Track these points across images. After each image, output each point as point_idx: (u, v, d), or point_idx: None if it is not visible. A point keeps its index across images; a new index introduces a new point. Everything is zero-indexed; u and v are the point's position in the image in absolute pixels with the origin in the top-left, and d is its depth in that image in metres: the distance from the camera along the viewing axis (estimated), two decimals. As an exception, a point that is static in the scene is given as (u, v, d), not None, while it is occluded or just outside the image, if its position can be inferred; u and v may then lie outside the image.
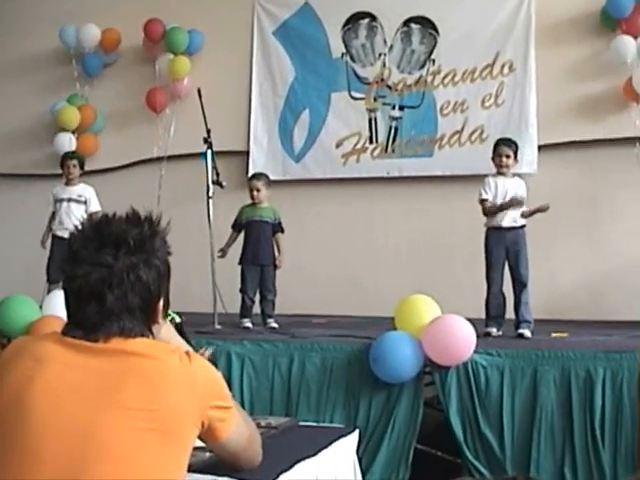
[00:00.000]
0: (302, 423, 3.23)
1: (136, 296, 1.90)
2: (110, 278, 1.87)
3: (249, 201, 6.37)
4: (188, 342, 2.34)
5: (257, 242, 6.23)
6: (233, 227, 6.38)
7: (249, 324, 6.11)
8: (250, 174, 7.38)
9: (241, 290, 6.22)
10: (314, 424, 3.27)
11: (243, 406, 4.59)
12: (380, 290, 7.21)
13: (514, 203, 5.62)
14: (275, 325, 6.12)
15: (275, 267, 6.30)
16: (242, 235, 6.36)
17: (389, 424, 4.66)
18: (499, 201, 5.66)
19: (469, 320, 4.71)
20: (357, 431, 2.99)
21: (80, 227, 1.96)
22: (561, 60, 7.56)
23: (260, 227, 6.24)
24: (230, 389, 2.16)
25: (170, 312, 2.54)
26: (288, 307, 7.08)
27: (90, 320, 1.88)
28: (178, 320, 2.70)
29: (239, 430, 2.12)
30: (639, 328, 6.02)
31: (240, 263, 6.24)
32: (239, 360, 5.05)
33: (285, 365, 4.98)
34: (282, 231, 6.35)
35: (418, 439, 4.71)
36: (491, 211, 5.67)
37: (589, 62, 7.51)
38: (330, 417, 4.78)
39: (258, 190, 6.29)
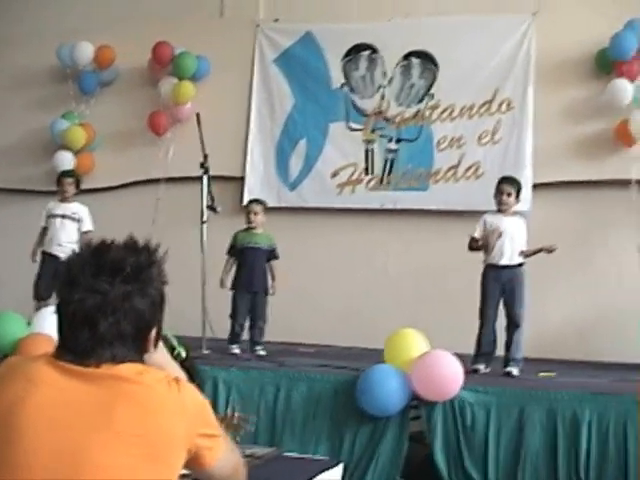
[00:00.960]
0: (287, 454, 3.21)
1: (129, 324, 1.90)
2: (105, 305, 1.87)
3: (243, 226, 6.35)
4: (192, 375, 2.31)
5: (251, 269, 6.20)
6: (229, 253, 6.34)
7: (237, 350, 6.08)
8: (246, 200, 7.40)
9: (231, 316, 6.18)
10: (299, 455, 3.25)
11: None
12: (372, 321, 7.20)
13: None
14: (263, 353, 6.08)
15: (267, 294, 6.27)
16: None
17: (373, 457, 4.65)
18: (494, 238, 5.66)
19: (459, 356, 4.71)
20: (342, 464, 2.98)
21: (79, 251, 1.96)
22: (559, 100, 7.61)
23: (255, 254, 6.22)
24: (215, 415, 2.15)
25: (176, 345, 2.52)
26: (279, 334, 7.06)
27: (82, 345, 1.88)
28: (184, 355, 2.67)
29: (225, 458, 2.10)
30: (627, 371, 6.04)
31: (232, 289, 6.21)
32: (225, 386, 5.03)
33: (271, 393, 4.96)
34: (277, 258, 6.34)
35: (402, 473, 4.69)
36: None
37: (586, 103, 7.56)
38: (315, 448, 4.75)
39: (256, 214, 6.27)
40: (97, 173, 8.30)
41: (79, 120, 8.51)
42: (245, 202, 7.30)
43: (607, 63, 7.43)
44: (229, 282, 6.26)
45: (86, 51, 8.45)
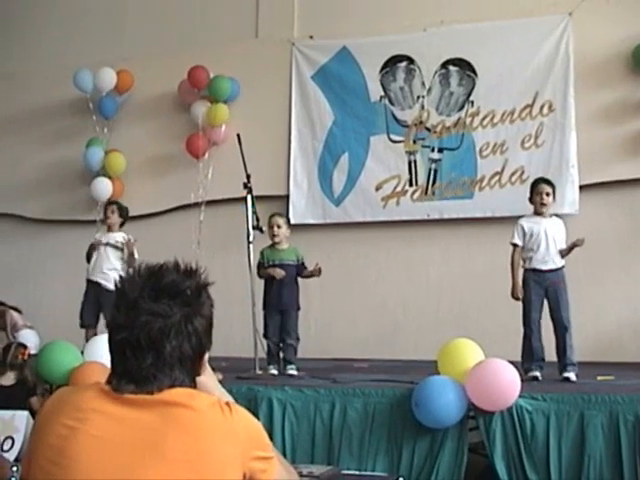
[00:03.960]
0: (345, 472, 3.18)
1: (190, 347, 1.91)
2: (169, 328, 1.87)
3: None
4: None
5: (280, 286, 6.04)
6: (259, 274, 6.08)
7: (275, 371, 5.93)
8: (292, 218, 7.39)
9: (265, 336, 6.03)
10: (357, 472, 3.21)
11: (285, 453, 4.59)
12: (421, 333, 7.17)
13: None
14: (294, 372, 5.90)
15: (297, 310, 6.11)
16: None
17: (433, 471, 4.57)
18: (538, 242, 5.58)
19: (512, 363, 4.63)
20: (400, 479, 2.93)
21: (132, 276, 1.96)
22: (600, 99, 7.54)
23: (283, 271, 6.05)
24: (271, 436, 2.14)
25: None
26: (330, 351, 7.04)
27: (145, 371, 1.87)
28: None
29: (280, 479, 2.09)
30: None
31: (263, 308, 6.06)
32: (280, 406, 4.99)
33: (327, 411, 4.91)
34: (306, 270, 6.13)
35: (464, 485, 4.62)
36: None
37: (627, 101, 7.47)
38: (373, 464, 4.68)
39: (279, 227, 6.11)
40: (132, 200, 8.29)
41: (106, 147, 8.61)
42: (291, 220, 7.23)
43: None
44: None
45: (108, 76, 8.59)
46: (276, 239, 6.12)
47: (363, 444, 4.77)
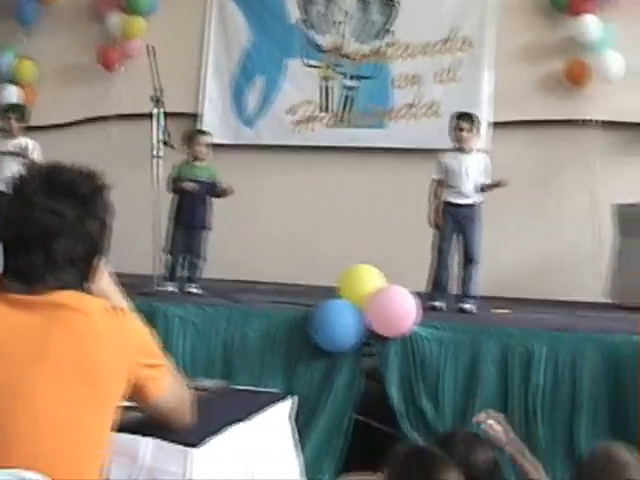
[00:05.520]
0: (237, 387, 3.18)
1: (83, 248, 1.87)
2: (62, 227, 1.83)
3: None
4: None
5: (192, 203, 5.93)
6: (170, 189, 6.00)
7: (173, 288, 5.83)
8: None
9: (167, 251, 5.91)
10: (249, 388, 3.21)
11: (183, 369, 4.58)
12: (330, 259, 7.12)
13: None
14: (197, 291, 5.84)
15: (206, 229, 6.01)
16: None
17: (328, 393, 4.63)
18: (455, 177, 5.61)
19: (416, 292, 4.69)
20: (293, 397, 2.95)
21: (30, 171, 1.90)
22: (519, 38, 7.57)
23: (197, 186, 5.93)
24: (170, 352, 2.13)
25: None
26: (237, 273, 7.01)
27: (34, 269, 1.83)
28: None
29: (170, 390, 2.09)
30: (579, 308, 6.10)
31: (173, 225, 5.96)
32: (179, 323, 4.98)
33: (226, 329, 4.92)
34: (217, 194, 6.05)
35: (357, 410, 4.69)
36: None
37: (547, 41, 7.52)
38: (269, 383, 4.70)
39: (207, 145, 6.06)
40: (43, 109, 8.02)
41: (19, 54, 8.31)
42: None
43: (561, 1, 7.40)
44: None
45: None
46: (202, 157, 6.02)
47: (261, 363, 4.81)
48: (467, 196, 5.64)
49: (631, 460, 2.62)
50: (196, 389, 2.73)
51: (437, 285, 5.57)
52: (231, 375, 4.75)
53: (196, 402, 2.26)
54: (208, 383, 3.00)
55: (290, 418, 2.94)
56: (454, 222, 5.62)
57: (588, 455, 2.93)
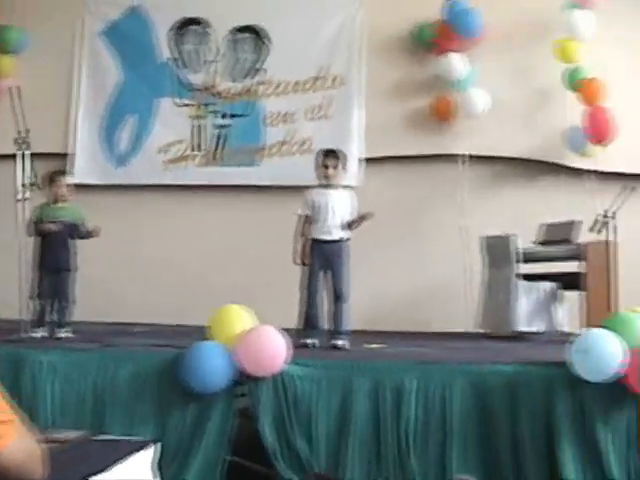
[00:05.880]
0: (99, 437, 3.10)
1: None
2: None
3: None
4: None
5: (55, 245, 5.77)
6: (30, 232, 5.78)
7: (41, 334, 5.67)
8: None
9: (35, 297, 5.74)
10: (110, 437, 3.13)
11: (52, 418, 4.45)
12: (199, 299, 7.10)
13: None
14: (65, 335, 5.73)
15: (72, 271, 5.88)
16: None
17: (200, 436, 4.56)
18: (321, 214, 5.64)
19: (287, 330, 4.68)
20: (156, 444, 2.89)
21: None
22: (389, 76, 7.76)
23: (58, 226, 5.79)
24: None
25: None
26: (111, 314, 6.88)
27: None
28: None
29: (17, 445, 2.01)
30: (453, 339, 6.20)
31: (36, 269, 5.79)
32: (47, 370, 4.80)
33: (96, 375, 4.78)
34: (82, 236, 5.94)
35: (233, 451, 4.62)
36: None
37: (415, 79, 7.70)
38: (141, 429, 4.61)
39: (68, 186, 5.91)
40: None
41: None
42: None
43: (426, 40, 7.60)
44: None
45: None
46: (62, 197, 5.87)
47: (132, 410, 4.68)
48: (333, 233, 5.65)
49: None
50: (54, 441, 2.65)
51: (308, 323, 5.58)
52: (102, 423, 4.61)
53: (49, 455, 2.19)
54: (71, 434, 2.91)
55: (153, 466, 2.87)
56: (321, 259, 5.63)
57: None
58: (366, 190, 7.22)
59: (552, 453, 4.33)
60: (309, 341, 5.49)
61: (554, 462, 4.31)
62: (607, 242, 6.21)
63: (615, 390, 4.33)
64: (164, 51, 7.97)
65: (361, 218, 5.66)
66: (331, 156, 5.75)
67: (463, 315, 7.07)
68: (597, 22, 7.45)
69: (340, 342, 5.48)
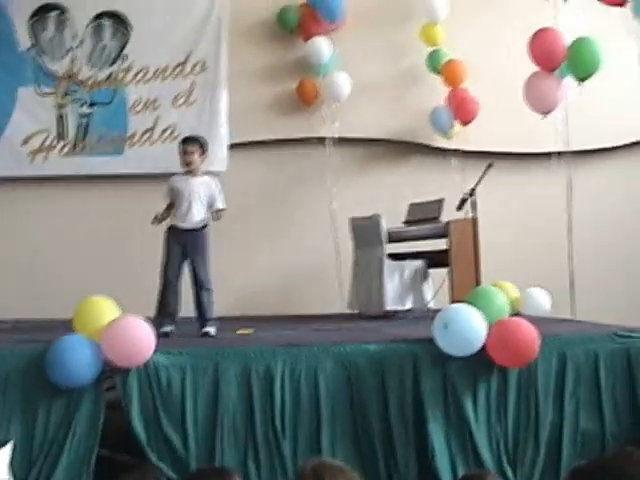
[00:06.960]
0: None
1: None
2: None
3: None
4: None
5: None
6: None
7: None
8: None
9: None
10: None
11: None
12: (69, 290, 6.97)
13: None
14: None
15: None
16: None
17: (69, 432, 4.47)
18: (182, 201, 5.59)
19: (150, 320, 4.64)
20: (9, 443, 2.83)
21: None
22: (253, 61, 7.74)
23: None
24: None
25: None
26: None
27: None
28: None
29: None
30: (325, 321, 6.27)
31: None
32: None
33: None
34: None
35: (103, 444, 4.56)
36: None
37: (280, 64, 7.73)
38: (8, 428, 4.50)
39: None
40: None
41: None
42: None
43: (291, 24, 7.63)
44: None
45: None
46: None
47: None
48: (192, 220, 5.63)
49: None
50: None
51: (163, 310, 5.54)
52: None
53: None
54: None
55: (10, 465, 2.82)
56: (179, 246, 5.61)
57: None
58: (234, 175, 7.22)
59: (421, 427, 4.44)
60: (167, 329, 5.44)
61: (424, 436, 4.42)
62: (472, 219, 6.37)
63: (479, 363, 4.47)
64: (23, 39, 7.73)
65: (219, 211, 5.65)
66: (190, 142, 5.73)
67: (337, 297, 7.15)
68: (453, 5, 7.60)
69: (208, 329, 5.47)
